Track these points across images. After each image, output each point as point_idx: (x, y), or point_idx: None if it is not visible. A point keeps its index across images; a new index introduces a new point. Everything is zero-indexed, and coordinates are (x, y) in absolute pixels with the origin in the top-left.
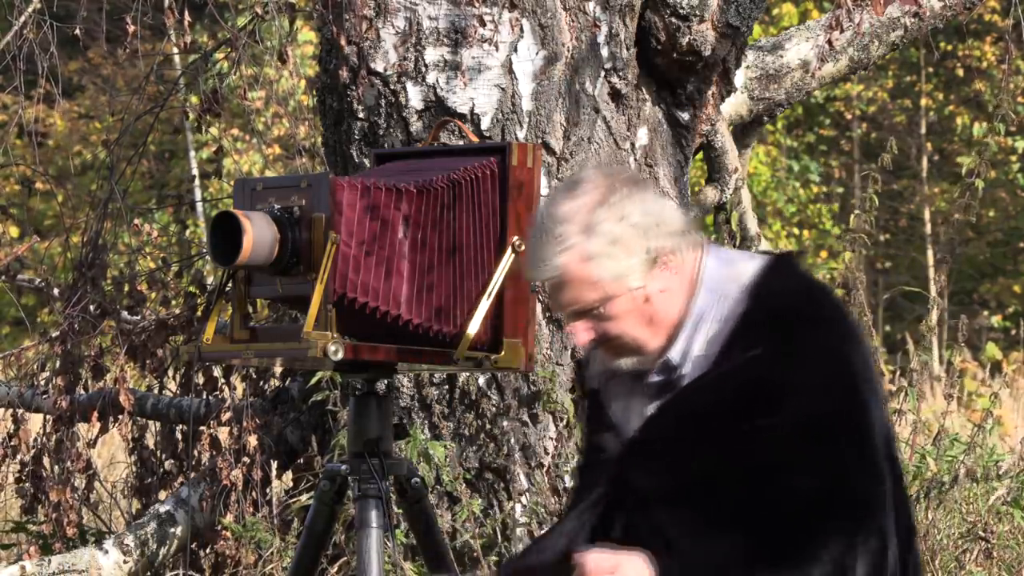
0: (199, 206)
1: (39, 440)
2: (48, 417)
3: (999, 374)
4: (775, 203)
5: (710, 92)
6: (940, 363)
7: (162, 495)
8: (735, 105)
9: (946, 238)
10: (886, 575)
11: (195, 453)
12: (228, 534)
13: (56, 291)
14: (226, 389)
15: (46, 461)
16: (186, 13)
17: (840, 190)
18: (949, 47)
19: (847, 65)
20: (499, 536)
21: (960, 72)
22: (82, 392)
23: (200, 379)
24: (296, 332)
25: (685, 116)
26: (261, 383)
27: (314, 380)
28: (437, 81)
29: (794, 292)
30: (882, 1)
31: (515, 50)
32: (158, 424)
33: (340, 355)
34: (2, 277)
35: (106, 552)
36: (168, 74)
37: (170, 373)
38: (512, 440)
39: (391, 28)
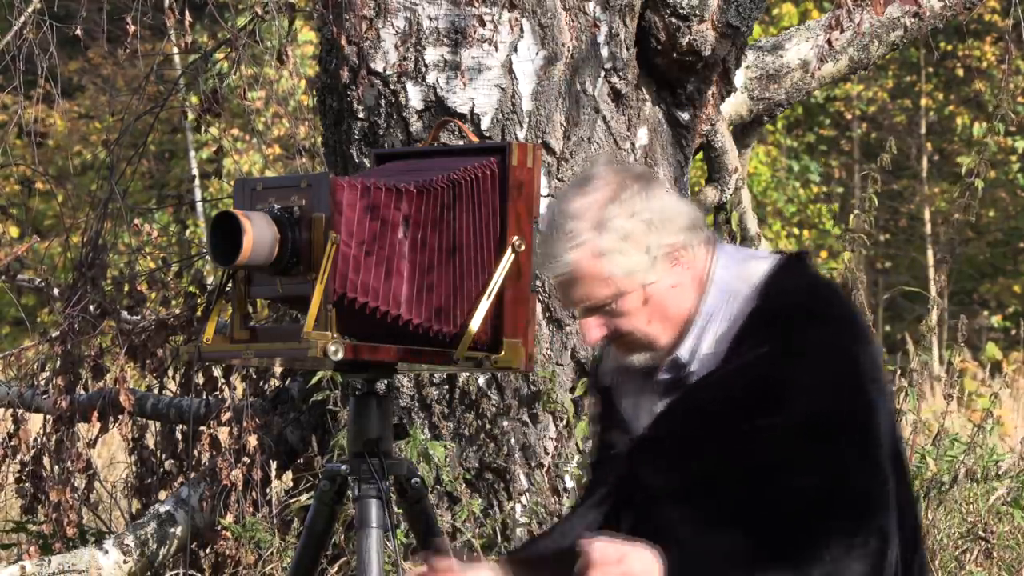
0: (199, 206)
1: (39, 440)
2: (48, 417)
3: (999, 374)
4: (775, 203)
5: (710, 92)
6: (940, 363)
7: (162, 495)
8: (735, 105)
9: (946, 238)
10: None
11: (195, 453)
12: (228, 534)
13: (56, 291)
14: (226, 389)
15: (46, 461)
16: (187, 13)
17: (840, 190)
18: (949, 47)
19: (847, 65)
20: (499, 536)
21: (960, 72)
22: (82, 392)
23: (200, 379)
24: (296, 332)
25: (685, 116)
26: (261, 383)
27: (314, 380)
28: (437, 81)
29: (803, 291)
30: (882, 1)
31: (515, 50)
32: (158, 424)
33: (340, 355)
34: (2, 277)
35: (106, 552)
36: (168, 74)
37: (170, 373)
38: (512, 440)
39: (391, 28)
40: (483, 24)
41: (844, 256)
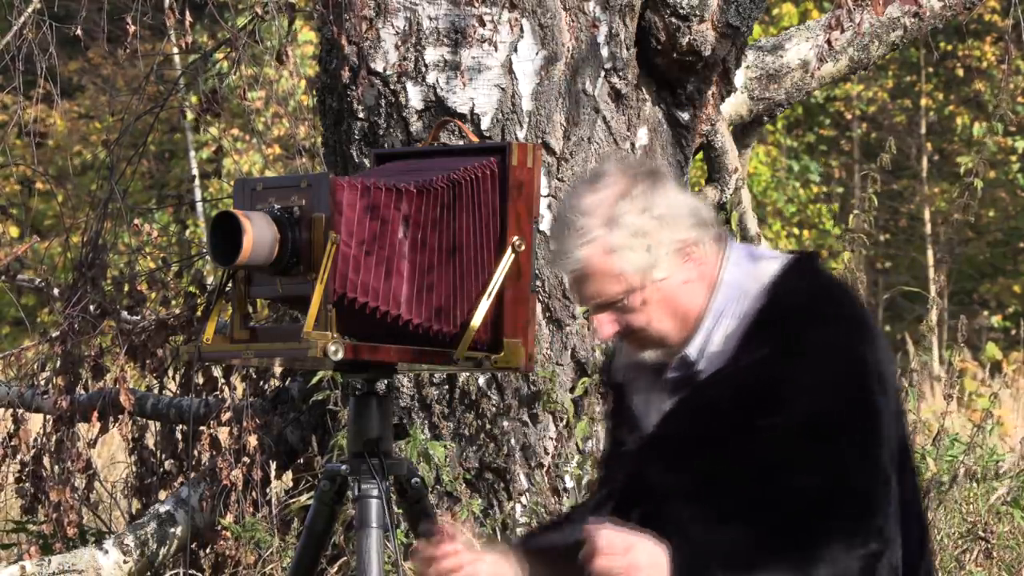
0: (199, 206)
1: (39, 440)
2: (48, 417)
3: (999, 374)
4: (775, 203)
5: (710, 92)
6: (940, 363)
7: (162, 495)
8: (735, 105)
9: (945, 238)
10: None
11: (195, 453)
12: (228, 534)
13: (56, 291)
14: (226, 389)
15: (46, 461)
16: (187, 13)
17: (840, 190)
18: (949, 47)
19: (847, 65)
20: (499, 536)
21: (960, 72)
22: (82, 392)
23: (200, 379)
24: (296, 332)
25: (685, 116)
26: (261, 383)
27: (314, 380)
28: (437, 81)
29: (812, 291)
30: (882, 1)
31: (515, 50)
32: (158, 424)
33: (340, 355)
34: (2, 277)
35: (106, 552)
36: (168, 74)
37: (170, 373)
38: (512, 440)
39: (391, 28)
40: (483, 24)
41: (844, 256)
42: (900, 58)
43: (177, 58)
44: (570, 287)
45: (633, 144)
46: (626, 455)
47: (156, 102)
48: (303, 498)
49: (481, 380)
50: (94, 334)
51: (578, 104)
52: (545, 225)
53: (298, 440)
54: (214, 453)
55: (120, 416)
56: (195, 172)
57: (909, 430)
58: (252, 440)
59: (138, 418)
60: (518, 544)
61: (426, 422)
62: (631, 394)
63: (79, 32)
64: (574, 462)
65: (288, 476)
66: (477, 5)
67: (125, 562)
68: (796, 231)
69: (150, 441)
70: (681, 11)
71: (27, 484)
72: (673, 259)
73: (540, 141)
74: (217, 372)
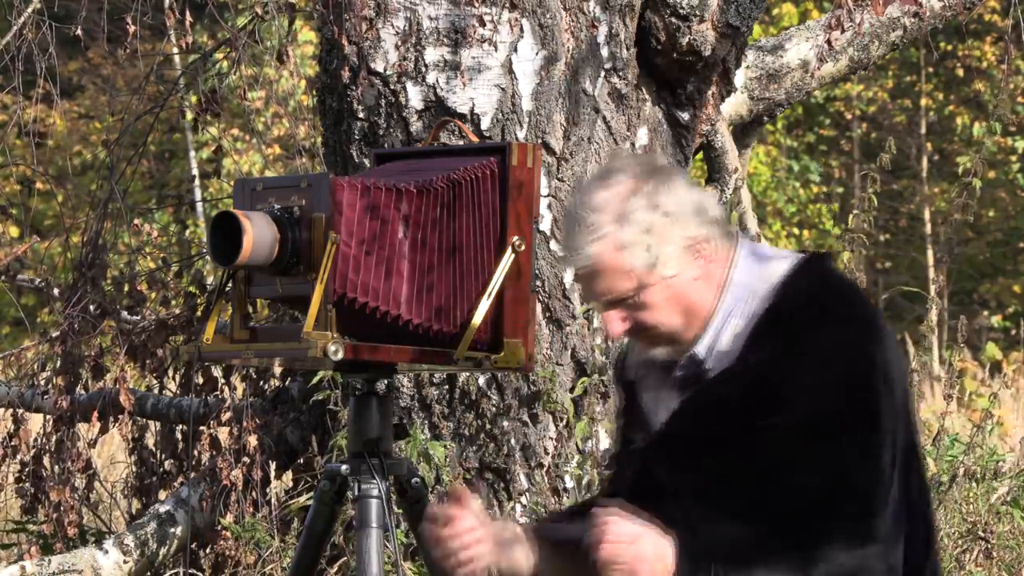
0: (199, 206)
1: (39, 440)
2: (48, 417)
3: (999, 374)
4: (775, 203)
5: (710, 92)
6: (940, 363)
7: (162, 495)
8: (735, 105)
9: (945, 238)
10: None
11: (195, 453)
12: (228, 534)
13: (56, 291)
14: (226, 389)
15: (46, 461)
16: (187, 13)
17: (840, 190)
18: (949, 47)
19: (847, 65)
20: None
21: (960, 72)
22: (82, 392)
23: (200, 379)
24: (296, 332)
25: (685, 116)
26: (261, 383)
27: (314, 380)
28: (437, 81)
29: (821, 291)
30: (882, 1)
31: (515, 50)
32: (158, 424)
33: (340, 355)
34: (2, 277)
35: (106, 552)
36: (168, 74)
37: (170, 373)
38: (512, 440)
39: (391, 28)
40: (483, 24)
41: (844, 256)
42: (900, 58)
43: (177, 58)
44: (580, 284)
45: (633, 144)
46: (635, 453)
47: (156, 102)
48: (302, 499)
49: (481, 380)
50: (94, 334)
51: (578, 104)
52: (545, 225)
53: (298, 440)
54: (214, 453)
55: (120, 416)
56: (195, 172)
57: (918, 430)
58: (252, 440)
59: (138, 418)
60: (537, 529)
61: (426, 422)
62: (642, 392)
63: (79, 32)
64: (574, 462)
65: (288, 476)
66: (477, 5)
67: (125, 562)
68: (796, 231)
69: (150, 441)
70: (681, 11)
71: (27, 484)
72: (683, 256)
73: (540, 141)
74: (217, 372)
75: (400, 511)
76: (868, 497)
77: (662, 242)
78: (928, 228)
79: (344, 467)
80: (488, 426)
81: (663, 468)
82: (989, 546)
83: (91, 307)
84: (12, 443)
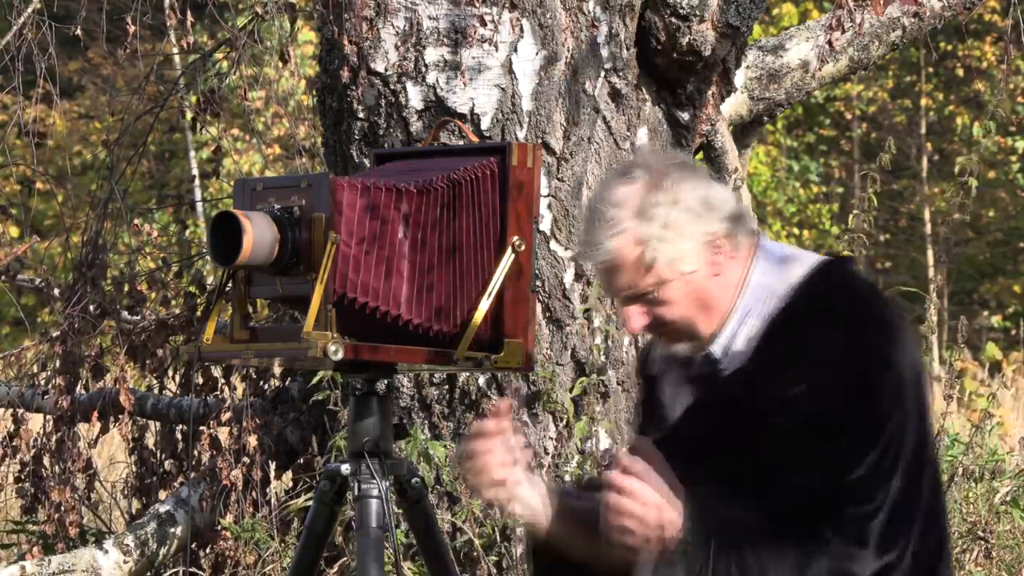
0: (199, 206)
1: (39, 440)
2: (48, 417)
3: (999, 374)
4: (775, 203)
5: (710, 92)
6: (940, 363)
7: (162, 495)
8: (735, 105)
9: (943, 237)
10: None
11: (195, 453)
12: (228, 534)
13: (56, 291)
14: (226, 389)
15: (46, 461)
16: (188, 13)
17: (840, 190)
18: (949, 47)
19: (847, 65)
20: (499, 536)
21: (960, 72)
22: (82, 392)
23: (200, 379)
24: (296, 332)
25: (685, 116)
26: (261, 383)
27: (314, 380)
28: (437, 81)
29: (837, 294)
30: (882, 1)
31: (515, 50)
32: (158, 424)
33: (340, 355)
34: (2, 277)
35: (106, 552)
36: (168, 74)
37: (170, 373)
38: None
39: (391, 28)
40: (483, 24)
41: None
42: (900, 58)
43: (177, 58)
44: (600, 279)
45: (633, 144)
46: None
47: (156, 102)
48: (301, 500)
49: (481, 380)
50: (94, 334)
51: (578, 104)
52: (545, 225)
53: (298, 440)
54: (214, 453)
55: (120, 416)
56: (195, 172)
57: (932, 432)
58: (252, 440)
59: (138, 418)
60: (562, 500)
61: (426, 422)
62: (663, 386)
63: (79, 32)
64: (574, 462)
65: (288, 476)
66: (477, 5)
67: (125, 562)
68: (796, 231)
69: (150, 441)
70: (681, 11)
71: (27, 484)
72: (702, 252)
73: (540, 141)
74: (217, 372)
75: (400, 511)
76: (867, 498)
77: (681, 238)
78: (928, 228)
79: (344, 467)
80: None
81: (676, 462)
82: (989, 546)
83: (91, 307)
84: (12, 443)
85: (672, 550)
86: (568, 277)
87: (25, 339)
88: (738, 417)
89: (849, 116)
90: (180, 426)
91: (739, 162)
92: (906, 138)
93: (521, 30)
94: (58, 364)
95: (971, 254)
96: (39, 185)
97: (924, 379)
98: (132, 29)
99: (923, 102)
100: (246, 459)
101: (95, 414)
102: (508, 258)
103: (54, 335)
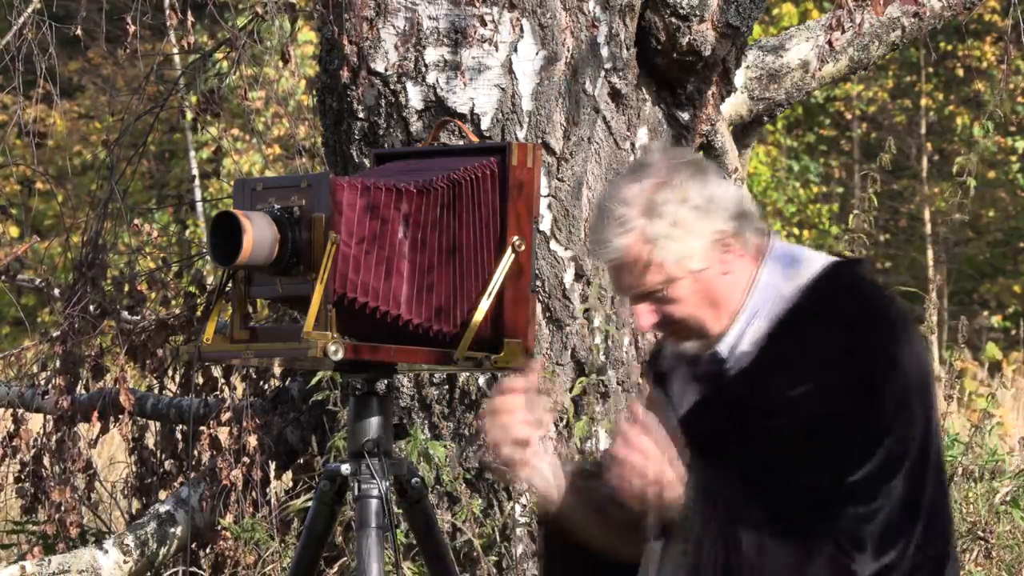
0: (199, 206)
1: (39, 440)
2: (48, 417)
3: (999, 374)
4: (775, 203)
5: (710, 92)
6: (940, 363)
7: (162, 495)
8: (735, 105)
9: (942, 237)
10: None
11: (195, 453)
12: (228, 534)
13: (56, 291)
14: (226, 389)
15: (46, 461)
16: (188, 13)
17: (840, 190)
18: (949, 47)
19: (847, 65)
20: (499, 536)
21: (960, 72)
22: (82, 392)
23: (200, 379)
24: (296, 332)
25: (685, 116)
26: (261, 383)
27: (314, 380)
28: (437, 81)
29: (844, 295)
30: (882, 1)
31: (515, 50)
32: (158, 424)
33: (340, 355)
34: (2, 277)
35: (106, 552)
36: (168, 74)
37: (170, 373)
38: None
39: (391, 28)
40: (483, 24)
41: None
42: (900, 58)
43: (177, 58)
44: (609, 276)
45: (633, 144)
46: None
47: (156, 102)
48: (300, 501)
49: (481, 380)
50: (94, 334)
51: (578, 104)
52: (545, 225)
53: (298, 440)
54: (214, 453)
55: (120, 416)
56: (195, 172)
57: (939, 432)
58: (252, 440)
59: (138, 418)
60: (576, 477)
61: (426, 422)
62: (671, 383)
63: (79, 32)
64: (574, 462)
65: (288, 476)
66: (477, 5)
67: (125, 562)
68: (796, 231)
69: (150, 441)
70: (681, 11)
71: (27, 484)
72: (712, 250)
73: (540, 141)
74: (217, 372)
75: (400, 511)
76: (862, 500)
77: (690, 236)
78: (928, 228)
79: (344, 467)
80: None
81: (681, 458)
82: (989, 546)
83: (91, 307)
84: (12, 443)
85: (671, 514)
86: (568, 277)
87: (25, 339)
88: (741, 416)
89: (849, 116)
90: (180, 426)
91: (739, 162)
92: (906, 138)
93: (521, 30)
94: (58, 364)
95: (971, 254)
96: (39, 185)
97: (931, 381)
98: (132, 29)
99: (923, 102)
100: (246, 459)
101: (95, 414)
102: (508, 258)
103: (54, 335)
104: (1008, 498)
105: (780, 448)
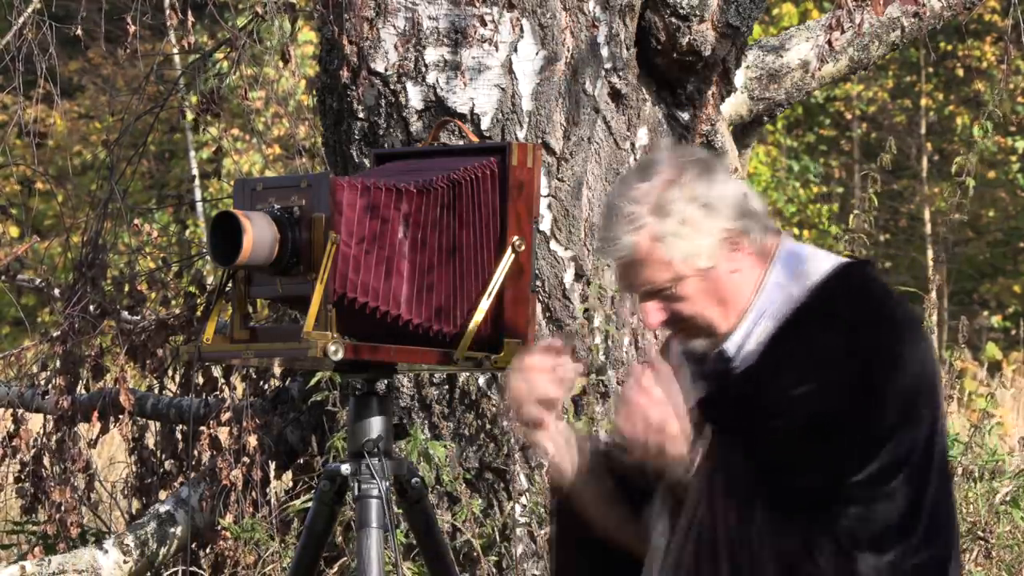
0: (199, 206)
1: (39, 440)
2: (48, 417)
3: (999, 374)
4: (775, 203)
5: (710, 92)
6: (940, 363)
7: (162, 495)
8: (735, 105)
9: (942, 237)
10: None
11: (195, 453)
12: (228, 534)
13: (56, 291)
14: (226, 389)
15: (46, 461)
16: (188, 13)
17: (840, 190)
18: (949, 47)
19: (847, 65)
20: (499, 536)
21: (960, 72)
22: (82, 392)
23: (200, 379)
24: (296, 332)
25: (685, 116)
26: (261, 383)
27: (314, 380)
28: (437, 81)
29: (852, 296)
30: (882, 1)
31: (515, 50)
32: (158, 424)
33: (340, 355)
34: (2, 277)
35: (106, 552)
36: (168, 74)
37: (170, 373)
38: (512, 440)
39: (391, 28)
40: (483, 24)
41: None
42: (900, 58)
43: (177, 58)
44: (617, 274)
45: (633, 144)
46: None
47: (156, 102)
48: (300, 501)
49: (481, 380)
50: (94, 334)
51: (578, 104)
52: (545, 225)
53: (298, 440)
54: (214, 453)
55: (120, 416)
56: (195, 172)
57: (944, 434)
58: (252, 440)
59: (138, 418)
60: (596, 456)
61: (426, 422)
62: (679, 380)
63: (79, 32)
64: None
65: (288, 476)
66: (477, 5)
67: (125, 562)
68: (796, 231)
69: (150, 441)
70: (681, 11)
71: (27, 484)
72: (720, 249)
73: (540, 141)
74: (217, 372)
75: (400, 511)
76: (862, 500)
77: (699, 234)
78: (928, 228)
79: (344, 467)
80: (488, 426)
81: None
82: (989, 546)
83: (91, 307)
84: (12, 443)
85: (672, 473)
86: (568, 277)
87: (25, 339)
88: (745, 415)
89: (849, 116)
90: (180, 426)
91: (739, 162)
92: (906, 138)
93: (521, 30)
94: (58, 364)
95: (971, 254)
96: (39, 185)
97: (938, 383)
98: (132, 29)
99: (923, 102)
100: (246, 459)
101: (95, 414)
102: (508, 258)
103: (54, 335)
104: (1008, 498)
105: (782, 447)
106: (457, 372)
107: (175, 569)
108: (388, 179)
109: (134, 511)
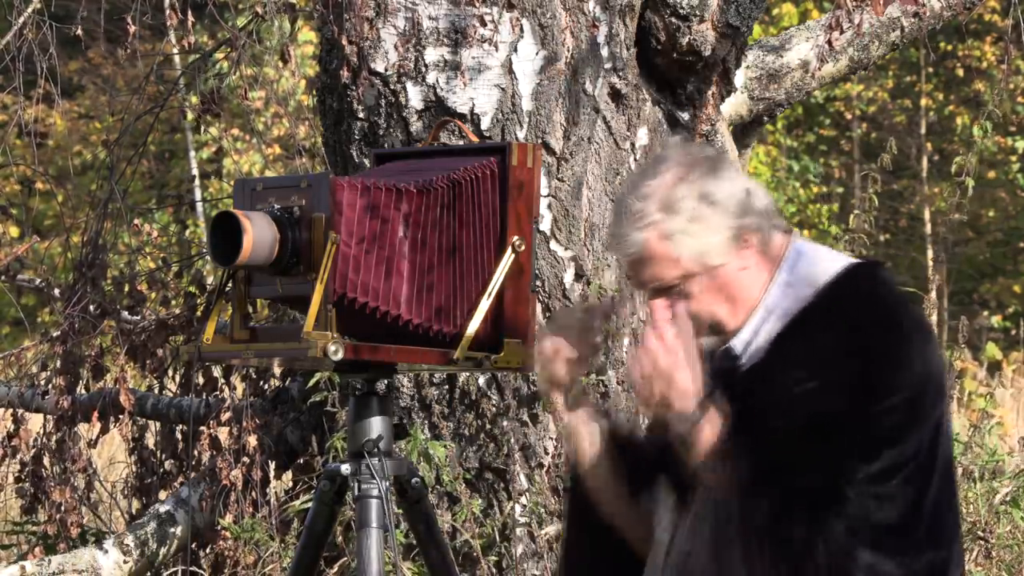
0: (199, 206)
1: (39, 440)
2: (48, 417)
3: (999, 374)
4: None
5: (710, 92)
6: None
7: (162, 495)
8: (735, 105)
9: (942, 237)
10: None
11: (195, 453)
12: (228, 534)
13: (56, 291)
14: (226, 389)
15: (46, 461)
16: (188, 13)
17: (840, 190)
18: (949, 47)
19: (847, 65)
20: (499, 536)
21: (960, 72)
22: (82, 392)
23: (200, 379)
24: (296, 332)
25: (685, 116)
26: (261, 383)
27: (314, 380)
28: (437, 81)
29: (859, 297)
30: (882, 1)
31: (515, 50)
32: (158, 424)
33: (340, 355)
34: (2, 277)
35: (106, 552)
36: (168, 74)
37: (170, 373)
38: (512, 440)
39: (391, 28)
40: (483, 24)
41: None
42: (900, 58)
43: (177, 58)
44: (627, 271)
45: (633, 144)
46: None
47: (156, 102)
48: (300, 501)
49: (481, 380)
50: (94, 334)
51: (578, 104)
52: (545, 225)
53: (298, 440)
54: (214, 453)
55: (120, 416)
56: (195, 172)
57: (949, 435)
58: (252, 440)
59: (138, 418)
60: (614, 434)
61: (426, 422)
62: None
63: (79, 32)
64: None
65: (288, 476)
66: (477, 5)
67: (125, 562)
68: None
69: (150, 441)
70: (681, 11)
71: (27, 484)
72: (729, 246)
73: (540, 141)
74: (217, 372)
75: (400, 511)
76: (863, 499)
77: (708, 232)
78: (928, 228)
79: (344, 467)
80: (488, 426)
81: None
82: (989, 546)
83: (91, 307)
84: (12, 443)
85: (676, 427)
86: (568, 277)
87: (25, 339)
88: (747, 415)
89: (849, 116)
90: (180, 426)
91: (739, 162)
92: (906, 138)
93: (521, 30)
94: (58, 364)
95: (971, 254)
96: (39, 185)
97: (943, 384)
98: (132, 29)
99: (923, 102)
100: (246, 459)
101: (95, 414)
102: (508, 258)
103: (54, 335)
104: (1008, 498)
105: (782, 446)
106: (457, 372)
107: (175, 569)
108: (388, 179)
109: (134, 511)
